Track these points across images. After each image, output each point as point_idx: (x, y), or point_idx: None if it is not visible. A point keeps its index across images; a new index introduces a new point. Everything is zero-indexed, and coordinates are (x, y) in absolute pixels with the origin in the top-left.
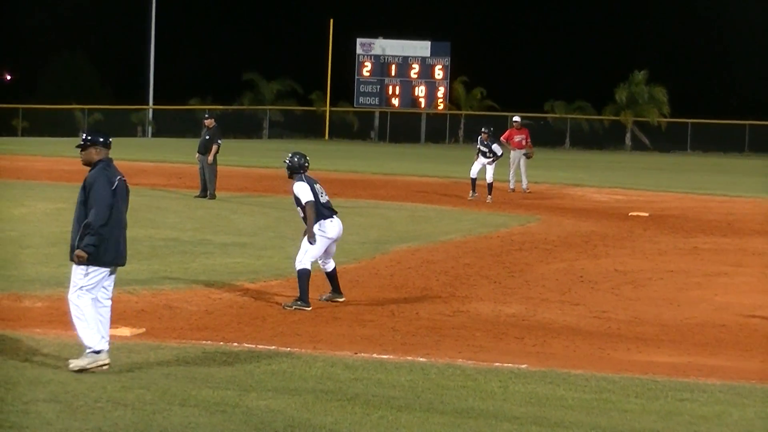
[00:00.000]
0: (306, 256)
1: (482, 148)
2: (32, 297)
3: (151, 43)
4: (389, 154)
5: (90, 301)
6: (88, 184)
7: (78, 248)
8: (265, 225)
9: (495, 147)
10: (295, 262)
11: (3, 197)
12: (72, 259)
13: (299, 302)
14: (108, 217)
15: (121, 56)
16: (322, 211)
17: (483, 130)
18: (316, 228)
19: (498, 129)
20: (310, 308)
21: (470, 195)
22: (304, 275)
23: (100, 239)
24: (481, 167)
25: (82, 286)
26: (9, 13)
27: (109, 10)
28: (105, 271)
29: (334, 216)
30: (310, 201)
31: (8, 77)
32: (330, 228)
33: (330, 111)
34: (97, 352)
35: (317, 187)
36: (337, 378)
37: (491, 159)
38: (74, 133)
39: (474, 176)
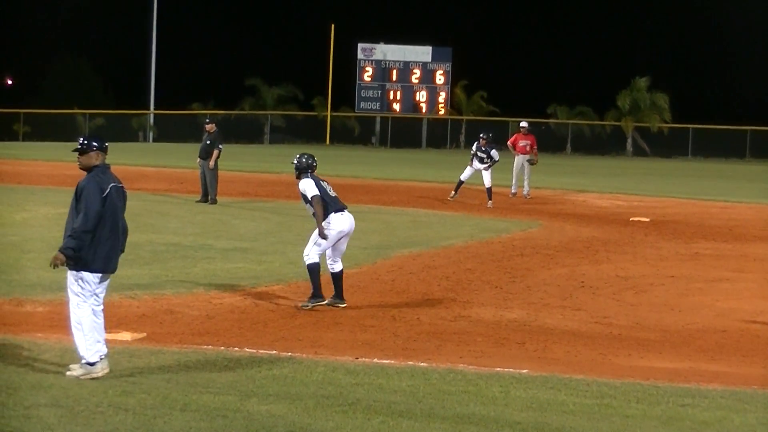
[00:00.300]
0: (314, 249)
1: (480, 153)
2: (34, 302)
3: (153, 47)
4: (390, 159)
5: (89, 312)
6: (79, 190)
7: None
8: (266, 230)
9: (493, 152)
10: (303, 255)
11: (4, 202)
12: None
13: (313, 299)
14: (94, 225)
15: (122, 61)
16: (331, 204)
17: (481, 135)
18: (324, 223)
19: (499, 134)
20: (325, 301)
21: (451, 195)
22: (313, 269)
23: (80, 244)
24: (474, 172)
25: (77, 293)
26: (11, 18)
27: (111, 15)
28: (96, 277)
29: (344, 210)
30: (317, 195)
31: (10, 81)
32: (339, 221)
33: (331, 116)
34: (92, 364)
35: (324, 183)
36: (339, 383)
37: (488, 164)
38: (76, 138)
39: (463, 179)
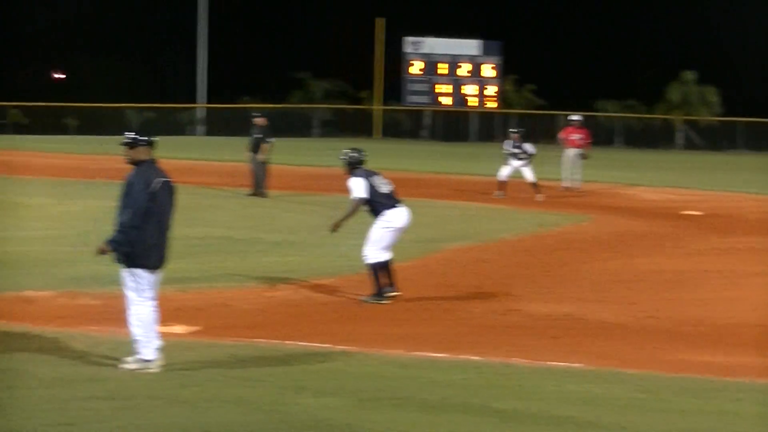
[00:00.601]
0: (371, 248)
1: (513, 150)
2: (88, 295)
3: (204, 41)
4: (440, 152)
5: (149, 309)
6: (126, 184)
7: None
8: (316, 223)
9: (527, 146)
10: (363, 255)
11: (58, 194)
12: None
13: (376, 297)
14: (141, 220)
15: (172, 55)
16: (384, 202)
17: (513, 131)
18: (380, 219)
19: (547, 128)
20: (385, 302)
21: (497, 194)
22: (372, 269)
23: (125, 239)
24: (513, 170)
25: (135, 290)
26: (61, 11)
27: (162, 9)
28: (148, 272)
29: (399, 205)
30: (358, 198)
31: (59, 76)
32: (395, 217)
33: (380, 110)
34: (147, 361)
35: (377, 179)
36: (391, 377)
37: (525, 160)
38: (125, 132)
39: (505, 179)
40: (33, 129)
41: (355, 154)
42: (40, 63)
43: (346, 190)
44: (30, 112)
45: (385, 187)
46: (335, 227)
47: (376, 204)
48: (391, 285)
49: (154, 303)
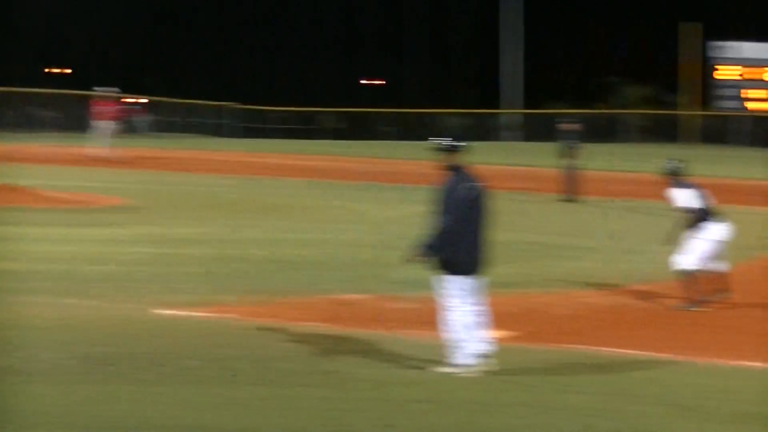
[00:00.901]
0: (685, 257)
1: None
2: (403, 299)
3: (520, 46)
4: (753, 158)
5: (467, 315)
6: (440, 189)
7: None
8: (628, 229)
9: None
10: (675, 261)
11: (375, 200)
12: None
13: (688, 305)
14: (455, 225)
15: (485, 61)
16: (704, 214)
17: None
18: (698, 231)
19: None
20: (697, 309)
21: None
22: (683, 276)
23: (439, 244)
24: None
25: (454, 296)
26: (380, 19)
27: (475, 16)
28: (465, 279)
29: (719, 218)
30: (682, 208)
31: (375, 82)
32: (714, 230)
33: (693, 115)
34: (464, 365)
35: (698, 190)
36: (713, 388)
37: None
38: (436, 137)
39: None
40: (348, 134)
41: (679, 165)
42: (353, 68)
43: (659, 196)
44: (345, 118)
45: (705, 200)
46: (668, 241)
47: (697, 215)
48: (722, 291)
49: (475, 308)
